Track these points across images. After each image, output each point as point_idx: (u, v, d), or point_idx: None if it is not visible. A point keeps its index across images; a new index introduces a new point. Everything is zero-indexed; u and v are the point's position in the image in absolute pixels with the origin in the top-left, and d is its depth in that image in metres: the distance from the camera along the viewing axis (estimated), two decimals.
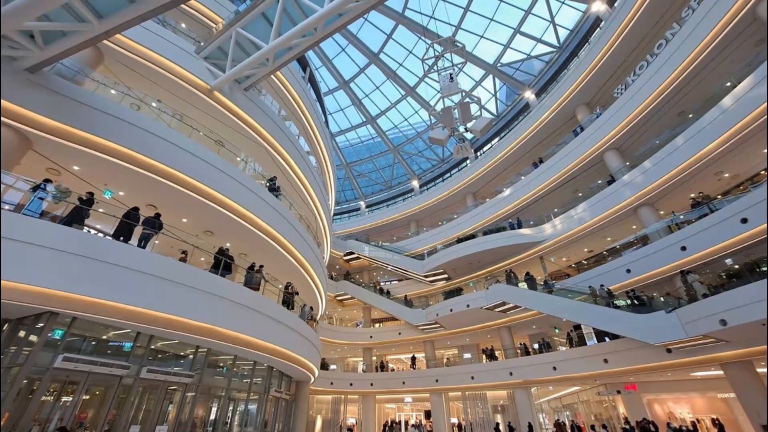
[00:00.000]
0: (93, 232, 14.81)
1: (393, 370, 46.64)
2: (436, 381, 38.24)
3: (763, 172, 23.82)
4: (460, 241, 39.76)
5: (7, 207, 11.45)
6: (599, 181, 32.37)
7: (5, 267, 9.82)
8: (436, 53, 22.95)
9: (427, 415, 42.95)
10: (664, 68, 25.02)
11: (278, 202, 21.81)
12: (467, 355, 44.18)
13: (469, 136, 26.68)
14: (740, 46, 22.16)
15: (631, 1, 27.54)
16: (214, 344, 16.30)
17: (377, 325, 51.40)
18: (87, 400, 13.19)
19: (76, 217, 12.75)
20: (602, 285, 26.55)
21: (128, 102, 16.84)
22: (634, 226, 29.18)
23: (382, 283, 51.50)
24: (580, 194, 34.31)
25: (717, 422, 26.43)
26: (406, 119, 56.00)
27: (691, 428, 26.48)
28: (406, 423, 47.12)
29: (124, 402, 13.47)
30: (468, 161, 48.74)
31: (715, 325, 18.18)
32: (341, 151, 61.99)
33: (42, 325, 11.57)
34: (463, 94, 20.36)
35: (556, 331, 36.88)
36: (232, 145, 21.80)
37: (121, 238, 13.58)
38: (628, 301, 24.91)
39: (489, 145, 49.17)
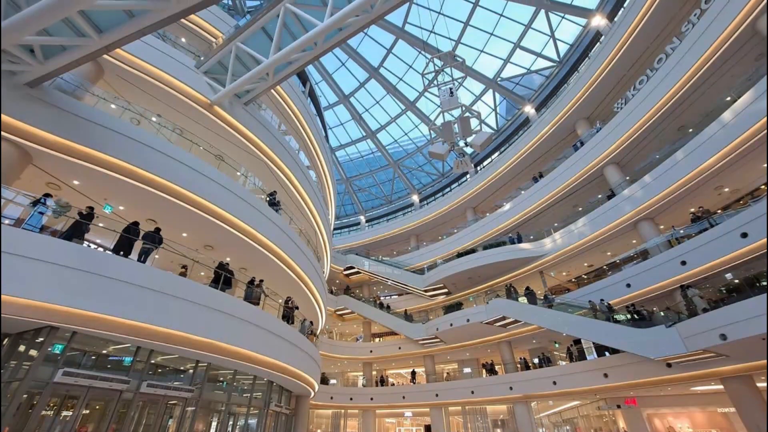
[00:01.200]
0: (93, 246, 14.87)
1: (393, 384, 46.33)
2: (436, 395, 38.08)
3: (763, 187, 23.86)
4: (460, 255, 39.77)
5: (7, 221, 11.49)
6: (599, 196, 32.38)
7: (5, 281, 9.84)
8: (436, 68, 23.11)
9: (427, 429, 42.65)
10: (664, 83, 25.06)
11: (278, 216, 21.84)
12: (467, 370, 43.96)
13: (469, 150, 26.74)
14: (740, 61, 22.27)
15: (631, 16, 27.74)
16: (214, 359, 16.27)
17: (377, 339, 51.24)
18: (87, 414, 13.13)
19: (76, 232, 12.79)
20: (602, 299, 26.53)
21: (128, 116, 16.93)
22: (634, 241, 29.20)
23: (382, 298, 51.45)
24: (580, 209, 34.33)
25: None
26: (406, 134, 56.29)
27: None
28: None
29: (124, 416, 13.42)
30: (468, 176, 48.91)
31: (715, 340, 18.12)
32: (341, 166, 62.17)
33: (42, 339, 11.58)
34: (463, 108, 20.47)
35: (557, 345, 36.77)
36: (233, 159, 21.86)
37: (121, 253, 13.58)
38: (628, 316, 24.84)
39: (489, 160, 49.19)
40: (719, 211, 24.54)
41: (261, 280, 20.67)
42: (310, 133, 29.95)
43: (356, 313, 48.07)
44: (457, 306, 39.64)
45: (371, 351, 46.11)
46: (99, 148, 13.55)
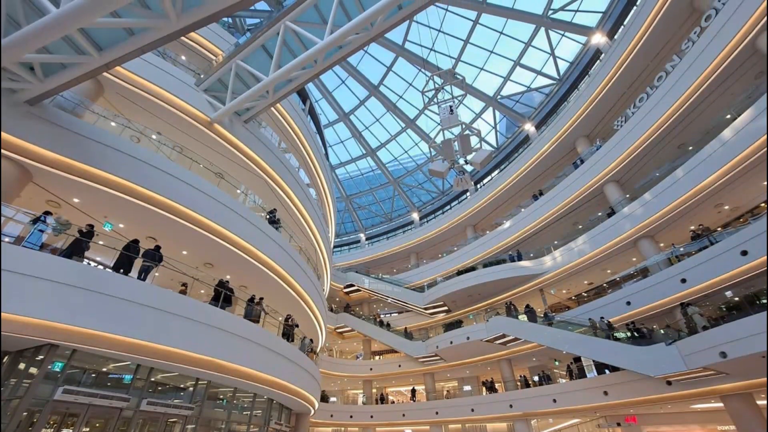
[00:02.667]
0: (93, 264, 14.88)
1: (393, 402, 46.04)
2: (436, 413, 37.77)
3: (762, 205, 23.91)
4: (460, 273, 39.78)
5: (7, 239, 11.55)
6: (599, 214, 32.45)
7: (5, 299, 9.87)
8: (436, 85, 23.23)
9: None
10: (664, 100, 25.09)
11: (278, 234, 21.87)
12: (467, 388, 43.64)
13: (469, 168, 26.83)
14: (740, 79, 22.32)
15: (631, 34, 27.86)
16: (214, 376, 16.20)
17: (377, 357, 51.03)
18: None
19: (76, 250, 12.83)
20: (602, 317, 26.48)
21: (128, 134, 17.02)
22: (634, 259, 29.20)
23: (382, 316, 51.32)
24: (580, 226, 34.36)
25: None
26: (406, 152, 56.40)
27: None
28: None
29: None
30: (468, 193, 48.91)
31: (715, 358, 18.08)
32: (341, 184, 62.25)
33: (42, 357, 11.55)
34: (463, 126, 20.56)
35: (557, 363, 36.56)
36: (232, 177, 21.96)
37: (121, 271, 13.63)
38: (628, 334, 24.74)
39: (489, 178, 49.29)
40: (719, 229, 24.58)
41: (261, 298, 20.67)
42: (310, 151, 30.07)
43: (356, 331, 47.96)
44: (457, 324, 39.48)
45: (371, 369, 45.92)
46: (99, 165, 13.65)
